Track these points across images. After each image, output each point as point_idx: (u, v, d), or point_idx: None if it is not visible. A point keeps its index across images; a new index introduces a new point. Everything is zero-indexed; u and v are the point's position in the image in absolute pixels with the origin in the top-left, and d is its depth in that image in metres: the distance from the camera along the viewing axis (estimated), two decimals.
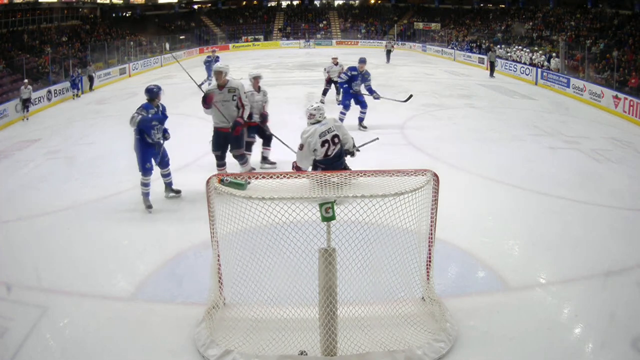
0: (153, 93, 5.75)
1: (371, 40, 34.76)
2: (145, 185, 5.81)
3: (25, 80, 13.80)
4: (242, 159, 6.20)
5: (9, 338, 3.51)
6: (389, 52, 24.81)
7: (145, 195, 5.83)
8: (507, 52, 22.47)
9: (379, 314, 3.53)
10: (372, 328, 3.42)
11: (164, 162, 5.94)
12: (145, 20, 33.93)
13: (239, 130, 6.04)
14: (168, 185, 6.09)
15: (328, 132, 5.09)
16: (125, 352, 3.38)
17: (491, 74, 18.94)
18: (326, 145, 5.04)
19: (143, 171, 5.75)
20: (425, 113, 11.58)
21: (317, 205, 3.09)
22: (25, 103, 13.14)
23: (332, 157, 5.11)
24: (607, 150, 8.47)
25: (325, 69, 12.41)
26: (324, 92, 12.40)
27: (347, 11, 40.30)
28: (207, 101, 5.90)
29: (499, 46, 24.12)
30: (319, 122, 5.12)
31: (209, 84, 15.42)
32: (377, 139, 6.31)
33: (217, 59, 15.85)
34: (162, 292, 4.11)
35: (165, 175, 6.04)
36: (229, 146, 6.10)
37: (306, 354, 3.26)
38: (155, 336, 3.53)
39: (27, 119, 12.90)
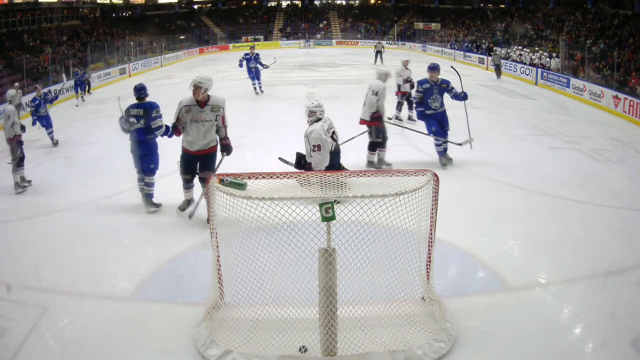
0: (147, 90, 5.77)
1: (371, 40, 34.74)
2: (153, 185, 5.84)
3: (16, 84, 12.21)
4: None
5: (9, 338, 3.50)
6: (378, 54, 23.69)
7: (152, 196, 5.84)
8: (508, 53, 22.48)
9: (379, 314, 3.52)
10: (372, 328, 3.41)
11: None
12: (145, 20, 33.96)
13: (214, 150, 5.36)
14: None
15: (330, 129, 5.16)
16: (125, 352, 3.38)
17: (498, 76, 18.62)
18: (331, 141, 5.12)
19: (155, 171, 5.83)
20: None
21: (317, 205, 3.09)
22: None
23: (332, 153, 5.18)
24: (607, 150, 8.47)
25: (397, 74, 9.89)
26: (398, 106, 10.25)
27: (347, 11, 40.32)
28: (176, 132, 5.26)
29: (499, 47, 24.12)
30: (319, 119, 5.17)
31: (257, 87, 14.13)
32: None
33: (256, 57, 13.81)
34: (162, 292, 4.11)
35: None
36: (201, 167, 5.33)
37: (306, 350, 3.27)
38: (155, 336, 3.53)
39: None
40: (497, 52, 21.42)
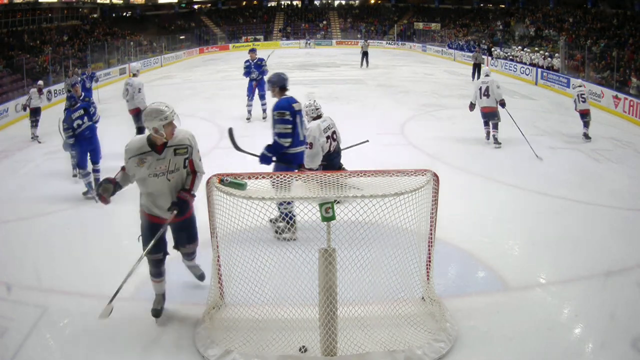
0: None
1: (371, 40, 34.67)
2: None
3: (40, 82, 11.02)
4: (191, 256, 3.86)
5: (9, 338, 3.51)
6: (365, 55, 21.47)
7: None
8: (507, 53, 22.48)
9: (379, 314, 3.53)
10: (372, 328, 3.42)
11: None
12: (145, 20, 33.96)
13: (191, 213, 3.62)
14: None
15: (329, 129, 5.18)
16: (125, 352, 3.38)
17: (474, 77, 16.86)
18: (328, 141, 5.12)
19: None
20: (426, 113, 11.59)
21: (317, 205, 3.09)
22: (35, 115, 9.97)
23: (332, 153, 5.19)
24: (607, 150, 8.48)
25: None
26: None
27: (347, 11, 40.32)
28: (103, 199, 3.41)
29: (498, 47, 24.12)
30: (314, 118, 5.19)
31: (251, 111, 10.37)
32: (367, 141, 6.09)
33: (258, 63, 10.09)
34: None
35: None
36: (178, 241, 3.71)
37: (306, 350, 3.27)
38: (155, 336, 3.53)
39: (37, 137, 9.82)
40: (479, 49, 20.51)
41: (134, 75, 8.36)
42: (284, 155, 4.80)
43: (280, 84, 4.93)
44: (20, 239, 5.28)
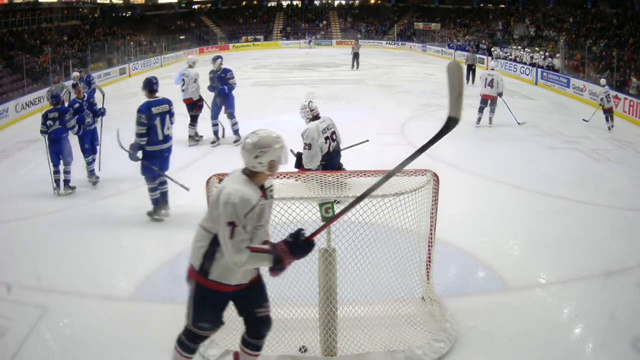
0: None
1: (371, 40, 34.79)
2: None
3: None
4: (269, 325, 2.90)
5: (9, 338, 3.51)
6: (355, 56, 20.46)
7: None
8: (507, 53, 22.48)
9: (379, 314, 3.53)
10: (372, 328, 3.41)
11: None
12: (145, 20, 33.94)
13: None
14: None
15: (328, 129, 5.17)
16: (125, 352, 3.38)
17: (468, 79, 15.53)
18: (327, 141, 5.11)
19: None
20: (426, 113, 11.59)
21: (317, 205, 3.09)
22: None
23: (331, 153, 5.19)
24: (607, 150, 8.49)
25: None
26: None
27: (347, 11, 40.31)
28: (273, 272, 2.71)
29: (498, 47, 24.11)
30: (311, 119, 5.19)
31: (220, 131, 8.75)
32: (367, 140, 6.09)
33: (223, 75, 8.36)
34: (162, 292, 4.11)
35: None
36: (257, 301, 2.84)
37: (306, 350, 3.27)
38: (155, 336, 3.52)
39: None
40: (472, 50, 20.25)
41: (190, 66, 8.84)
42: (145, 152, 5.39)
43: (146, 87, 5.51)
44: (20, 239, 5.28)
